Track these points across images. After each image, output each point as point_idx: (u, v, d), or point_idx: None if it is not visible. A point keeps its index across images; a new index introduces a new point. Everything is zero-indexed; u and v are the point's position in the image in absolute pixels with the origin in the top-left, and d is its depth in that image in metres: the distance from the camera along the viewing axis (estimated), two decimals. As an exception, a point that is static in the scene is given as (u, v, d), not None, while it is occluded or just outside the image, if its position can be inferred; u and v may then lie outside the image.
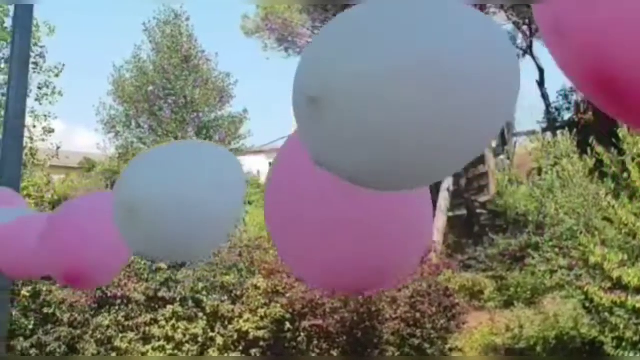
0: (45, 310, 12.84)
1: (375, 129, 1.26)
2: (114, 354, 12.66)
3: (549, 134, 20.23)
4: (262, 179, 29.24)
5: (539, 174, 17.40)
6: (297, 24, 23.56)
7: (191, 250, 2.25)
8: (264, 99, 55.09)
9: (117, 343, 12.67)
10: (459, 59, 1.27)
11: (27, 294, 13.03)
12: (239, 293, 13.17)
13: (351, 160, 1.32)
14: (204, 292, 13.07)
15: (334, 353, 12.90)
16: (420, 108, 1.24)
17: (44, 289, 13.00)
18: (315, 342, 12.96)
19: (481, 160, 21.53)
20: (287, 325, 12.93)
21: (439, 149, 1.30)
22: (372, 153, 1.29)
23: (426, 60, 1.24)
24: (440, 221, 18.26)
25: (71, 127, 57.65)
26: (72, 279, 2.47)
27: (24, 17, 5.46)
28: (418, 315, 12.93)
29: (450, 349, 13.44)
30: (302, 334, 12.95)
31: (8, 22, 14.03)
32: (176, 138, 24.11)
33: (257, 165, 30.51)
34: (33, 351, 12.43)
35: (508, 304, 15.10)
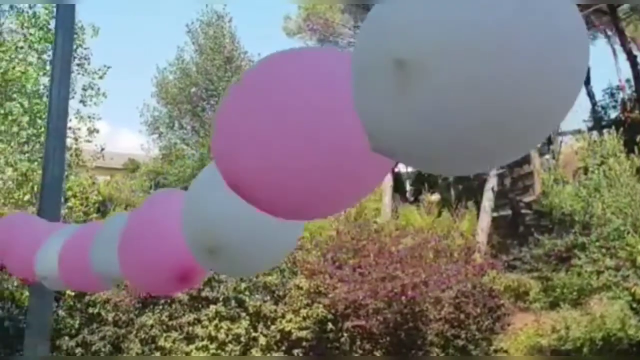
0: (90, 309, 12.95)
1: (488, 99, 1.05)
2: (157, 354, 12.72)
3: (595, 133, 19.94)
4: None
5: (585, 173, 17.12)
6: (339, 23, 23.51)
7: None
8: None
9: (161, 342, 12.73)
10: (567, 15, 1.12)
11: (72, 294, 13.16)
12: (281, 293, 13.16)
13: (436, 140, 1.12)
14: (247, 292, 13.08)
15: (377, 354, 12.83)
16: (537, 71, 1.05)
17: (89, 288, 13.06)
18: (358, 342, 12.90)
19: (526, 159, 21.36)
20: (330, 325, 12.88)
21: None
22: (471, 129, 1.09)
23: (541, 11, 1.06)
24: (485, 221, 18.09)
25: (115, 128, 58.35)
26: (186, 278, 2.40)
27: (66, 17, 5.49)
28: (462, 316, 12.80)
29: (495, 350, 13.29)
30: (345, 334, 12.90)
31: (53, 25, 14.21)
32: (219, 139, 24.12)
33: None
34: (78, 350, 12.55)
35: (554, 305, 14.91)
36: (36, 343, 4.94)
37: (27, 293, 12.30)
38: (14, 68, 14.15)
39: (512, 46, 1.06)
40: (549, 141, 22.22)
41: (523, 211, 21.50)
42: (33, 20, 15.13)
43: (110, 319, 12.85)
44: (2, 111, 14.75)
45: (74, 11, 5.58)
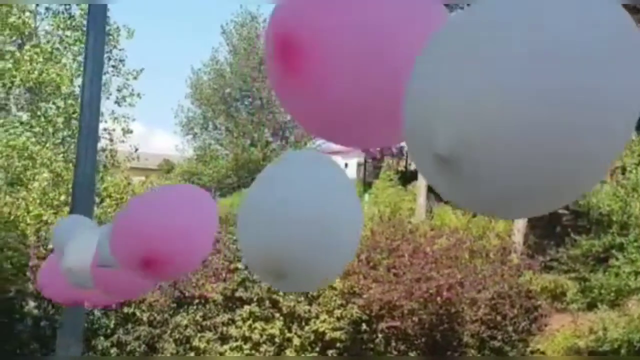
0: (125, 309, 13.00)
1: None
2: (192, 354, 12.73)
3: (633, 132, 19.62)
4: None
5: (623, 173, 16.89)
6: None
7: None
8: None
9: (195, 343, 12.74)
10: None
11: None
12: (315, 294, 13.08)
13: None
14: (281, 293, 13.02)
15: (412, 355, 12.72)
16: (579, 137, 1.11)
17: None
18: (393, 343, 12.80)
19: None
20: (364, 326, 12.80)
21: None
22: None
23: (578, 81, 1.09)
24: (521, 221, 17.86)
25: (150, 129, 58.81)
26: (149, 265, 2.41)
27: (98, 17, 5.47)
28: (499, 317, 12.66)
29: (532, 352, 13.13)
30: (380, 335, 12.80)
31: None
32: (252, 139, 24.26)
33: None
34: (113, 350, 12.61)
35: (591, 306, 14.72)
36: (69, 343, 4.92)
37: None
38: (48, 70, 14.25)
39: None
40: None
41: (560, 211, 21.25)
42: (69, 22, 15.24)
43: (145, 319, 12.89)
44: (38, 112, 14.88)
45: (106, 11, 5.56)
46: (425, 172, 1.26)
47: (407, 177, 24.23)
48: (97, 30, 5.44)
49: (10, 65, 14.41)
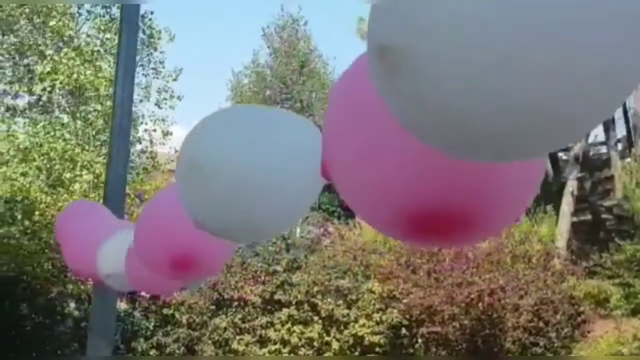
0: (165, 311, 13.03)
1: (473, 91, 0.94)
2: (231, 356, 12.71)
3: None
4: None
5: (667, 177, 16.56)
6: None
7: (262, 224, 1.94)
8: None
9: (234, 345, 12.73)
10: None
11: (147, 296, 13.24)
12: (354, 297, 12.99)
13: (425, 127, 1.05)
14: (319, 296, 12.95)
15: (453, 361, 12.56)
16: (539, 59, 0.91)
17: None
18: (434, 349, 12.64)
19: (607, 163, 20.82)
20: (404, 331, 12.66)
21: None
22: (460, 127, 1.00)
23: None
24: (564, 226, 17.58)
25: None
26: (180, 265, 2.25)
27: (131, 16, 5.43)
28: (542, 323, 12.43)
29: (575, 358, 12.87)
30: (420, 340, 12.66)
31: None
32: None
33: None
34: (153, 352, 12.64)
35: (635, 312, 14.42)
36: (99, 345, 4.85)
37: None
38: (86, 71, 14.33)
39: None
40: (630, 144, 21.60)
41: (603, 216, 20.90)
42: (110, 24, 15.33)
43: (184, 320, 12.91)
44: (78, 114, 14.96)
45: (139, 11, 5.52)
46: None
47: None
48: (130, 29, 5.40)
49: (49, 69, 14.50)
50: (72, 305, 13.56)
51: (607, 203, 20.89)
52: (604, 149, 23.44)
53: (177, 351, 12.65)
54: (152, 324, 13.20)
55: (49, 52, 15.02)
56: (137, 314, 13.30)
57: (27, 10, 15.32)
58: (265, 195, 1.81)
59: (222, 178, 1.77)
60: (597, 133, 21.20)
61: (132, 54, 5.50)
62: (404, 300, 12.57)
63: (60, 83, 14.48)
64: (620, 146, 22.52)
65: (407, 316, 12.62)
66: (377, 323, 12.65)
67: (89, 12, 16.06)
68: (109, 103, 13.55)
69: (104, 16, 15.69)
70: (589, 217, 21.09)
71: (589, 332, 13.33)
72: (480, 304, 12.19)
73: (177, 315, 13.02)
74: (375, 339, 12.60)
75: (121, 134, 5.24)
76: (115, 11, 15.47)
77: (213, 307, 13.07)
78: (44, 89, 15.15)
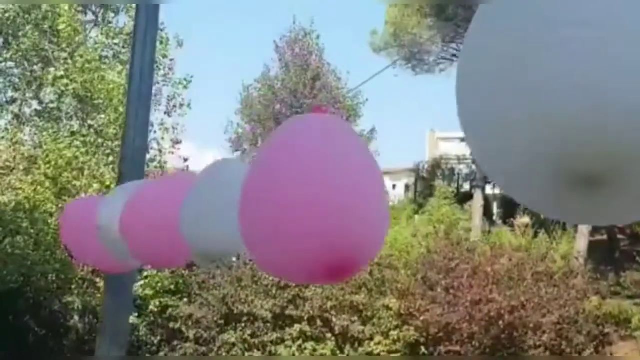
0: (172, 325, 12.65)
1: None
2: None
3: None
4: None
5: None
6: (427, 40, 22.88)
7: None
8: (392, 117, 54.94)
9: (242, 362, 12.31)
10: None
11: (155, 309, 12.89)
12: (369, 314, 12.56)
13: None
14: (333, 312, 12.51)
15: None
16: None
17: (171, 303, 12.88)
18: (452, 369, 12.19)
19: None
20: (422, 349, 12.21)
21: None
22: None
23: None
24: (582, 244, 17.19)
25: (201, 145, 58.93)
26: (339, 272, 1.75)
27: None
28: (564, 343, 11.96)
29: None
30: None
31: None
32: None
33: (383, 186, 30.01)
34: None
35: (658, 334, 14.02)
36: (109, 350, 4.37)
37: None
38: (95, 78, 14.07)
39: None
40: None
41: (619, 236, 20.72)
42: (118, 30, 15.14)
43: (191, 336, 12.51)
44: (89, 122, 14.67)
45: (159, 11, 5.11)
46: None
47: (460, 199, 23.66)
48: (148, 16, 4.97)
49: (62, 73, 14.23)
50: (76, 318, 13.20)
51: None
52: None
53: (183, 367, 12.26)
54: (158, 338, 12.84)
55: (62, 55, 14.73)
56: (142, 328, 12.92)
57: (34, 16, 15.06)
58: None
59: None
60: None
61: (152, 37, 5.06)
62: (421, 318, 12.14)
63: (73, 89, 14.21)
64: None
65: (425, 334, 12.19)
66: (394, 341, 12.20)
67: (97, 18, 15.91)
68: (121, 109, 13.19)
69: (111, 23, 15.55)
70: (604, 237, 20.88)
71: (611, 354, 12.91)
72: (500, 322, 11.75)
73: (184, 329, 12.62)
74: (392, 357, 12.14)
75: (141, 100, 4.77)
76: (122, 20, 15.34)
77: (222, 321, 12.65)
78: (54, 94, 14.89)
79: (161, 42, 15.34)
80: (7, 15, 15.12)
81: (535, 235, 16.18)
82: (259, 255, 1.70)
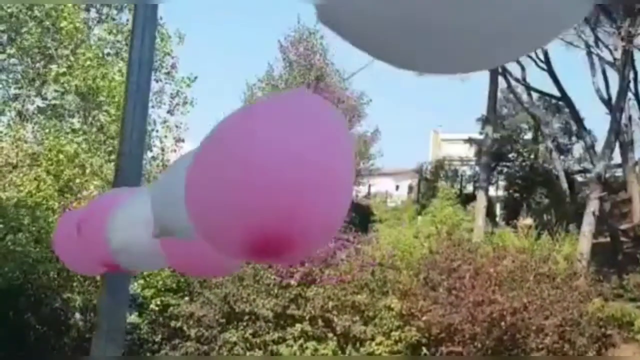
0: (173, 324, 12.62)
1: None
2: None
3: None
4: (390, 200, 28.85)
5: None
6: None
7: None
8: (395, 118, 54.93)
9: (244, 361, 12.29)
10: None
11: (156, 308, 12.86)
12: (371, 314, 12.53)
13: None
14: (334, 312, 12.48)
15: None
16: None
17: (172, 302, 12.85)
18: (453, 370, 12.16)
19: (623, 186, 20.67)
20: (424, 350, 12.17)
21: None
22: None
23: None
24: (585, 246, 17.12)
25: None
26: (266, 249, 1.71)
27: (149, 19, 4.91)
28: (567, 346, 11.92)
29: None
30: (439, 360, 12.19)
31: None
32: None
33: (386, 187, 30.03)
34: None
35: (660, 337, 13.98)
36: (105, 348, 4.30)
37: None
38: (97, 76, 14.04)
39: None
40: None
41: (622, 239, 20.65)
42: (119, 27, 15.10)
43: (192, 334, 12.48)
44: (90, 119, 14.64)
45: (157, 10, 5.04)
46: None
47: (463, 200, 23.62)
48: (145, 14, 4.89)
49: (64, 70, 14.21)
50: (78, 316, 13.17)
51: (623, 226, 20.68)
52: (619, 172, 23.14)
53: (184, 366, 12.24)
54: (159, 337, 12.82)
55: (65, 52, 14.69)
56: (144, 326, 12.89)
57: (37, 13, 15.00)
58: None
59: None
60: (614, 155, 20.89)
61: (150, 26, 4.97)
62: (423, 318, 12.11)
63: (75, 86, 14.17)
64: (638, 169, 22.23)
65: (426, 335, 12.15)
66: (396, 341, 12.18)
67: (99, 12, 15.87)
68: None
69: (114, 19, 15.51)
70: (607, 239, 20.83)
71: (614, 356, 12.89)
72: (502, 324, 11.71)
73: (185, 328, 12.59)
74: (394, 358, 12.11)
75: (139, 94, 4.69)
76: (125, 17, 15.28)
77: (223, 320, 12.63)
78: (57, 92, 14.85)
79: (162, 39, 15.30)
80: (9, 11, 15.07)
81: (538, 236, 16.13)
82: (197, 226, 1.72)
